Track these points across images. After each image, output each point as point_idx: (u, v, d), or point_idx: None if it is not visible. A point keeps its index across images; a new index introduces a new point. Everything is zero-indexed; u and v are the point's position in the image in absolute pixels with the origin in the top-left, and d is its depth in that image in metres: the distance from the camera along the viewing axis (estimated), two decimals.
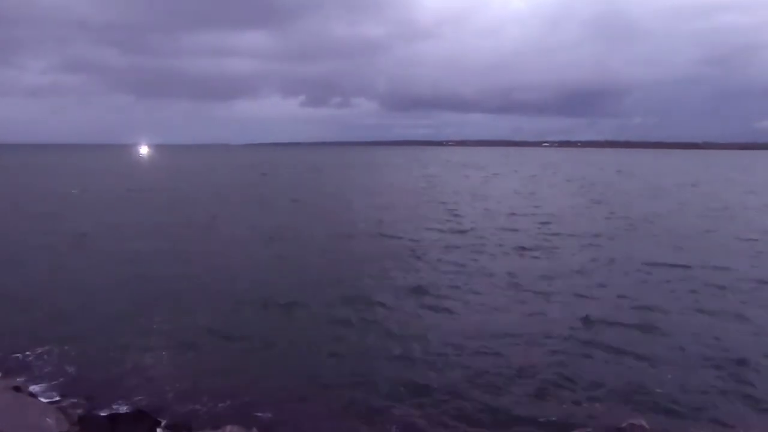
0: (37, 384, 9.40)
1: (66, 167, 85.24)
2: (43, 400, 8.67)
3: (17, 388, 8.72)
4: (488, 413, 8.60)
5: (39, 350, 10.76)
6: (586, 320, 12.57)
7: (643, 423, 8.07)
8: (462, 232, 24.19)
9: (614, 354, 10.80)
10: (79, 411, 8.42)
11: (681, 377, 9.83)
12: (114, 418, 8.24)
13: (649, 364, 10.31)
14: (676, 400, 9.00)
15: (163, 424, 8.23)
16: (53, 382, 9.51)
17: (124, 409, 8.58)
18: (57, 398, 8.86)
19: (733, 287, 15.34)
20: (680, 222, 27.83)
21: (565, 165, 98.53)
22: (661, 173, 74.64)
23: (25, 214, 29.58)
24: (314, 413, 8.63)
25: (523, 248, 20.57)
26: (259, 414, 8.54)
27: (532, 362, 10.36)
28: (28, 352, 10.68)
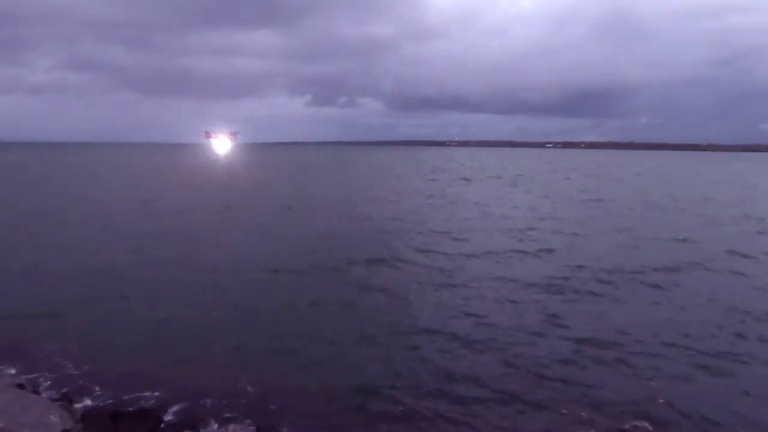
0: (40, 381, 9.42)
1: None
2: (46, 397, 8.68)
3: (21, 386, 8.75)
4: (489, 415, 8.58)
5: (43, 348, 10.79)
6: (588, 322, 12.55)
7: (647, 425, 8.05)
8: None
9: (617, 355, 10.78)
10: (83, 408, 8.45)
11: (684, 379, 9.82)
12: (117, 415, 8.26)
13: (653, 367, 10.28)
14: (679, 403, 8.97)
15: (165, 422, 8.25)
16: (57, 380, 9.52)
17: (127, 407, 8.59)
18: (60, 396, 8.88)
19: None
20: None
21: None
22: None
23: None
24: (318, 412, 8.63)
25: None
26: (263, 412, 8.53)
27: (534, 364, 10.35)
28: (31, 350, 10.71)
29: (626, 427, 8.06)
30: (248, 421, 8.17)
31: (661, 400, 9.02)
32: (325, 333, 11.82)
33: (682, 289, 15.44)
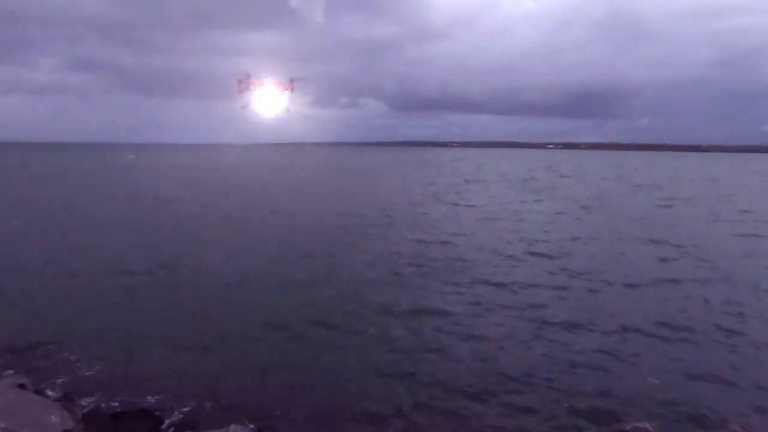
0: (41, 382, 9.43)
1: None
2: (47, 397, 8.69)
3: (22, 386, 8.76)
4: (492, 418, 8.59)
5: (44, 348, 10.81)
6: (589, 325, 12.55)
7: (648, 426, 8.04)
8: None
9: (619, 358, 10.78)
10: (84, 409, 8.47)
11: (685, 380, 9.83)
12: (118, 416, 8.27)
13: (654, 370, 10.28)
14: (680, 404, 8.98)
15: (166, 422, 8.26)
16: (58, 380, 9.54)
17: (128, 407, 8.60)
18: (61, 396, 8.89)
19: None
20: None
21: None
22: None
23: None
24: (318, 414, 8.64)
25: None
26: (263, 414, 8.55)
27: (535, 368, 10.35)
28: (33, 350, 10.73)
29: (627, 427, 8.06)
30: (248, 421, 8.18)
31: (661, 402, 9.02)
32: (326, 338, 11.81)
33: (691, 294, 15.31)
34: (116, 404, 8.73)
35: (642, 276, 16.71)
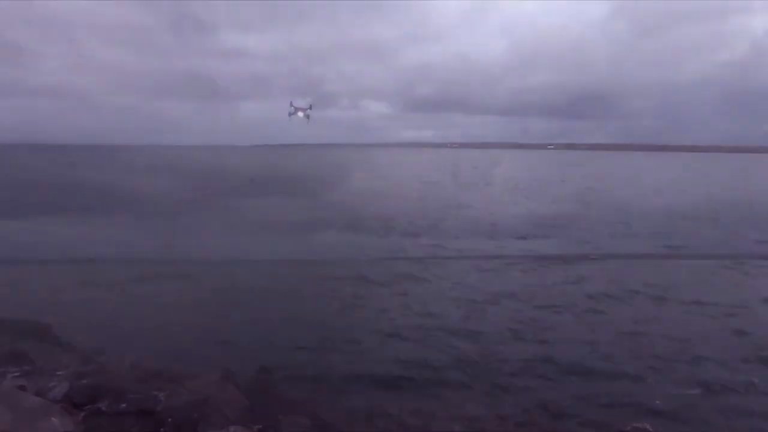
0: (42, 384, 9.42)
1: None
2: (48, 399, 8.69)
3: (22, 388, 8.77)
4: (495, 419, 8.59)
5: (44, 350, 10.80)
6: (590, 326, 12.56)
7: (647, 426, 8.04)
8: None
9: (619, 360, 10.78)
10: (84, 411, 8.46)
11: (685, 383, 9.82)
12: (118, 417, 8.26)
13: (653, 371, 10.29)
14: (679, 405, 8.97)
15: (167, 423, 8.24)
16: (58, 382, 9.52)
17: (128, 408, 8.59)
18: (62, 398, 8.88)
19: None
20: None
21: None
22: None
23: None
24: (318, 414, 8.64)
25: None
26: (263, 414, 8.53)
27: (535, 368, 10.37)
28: (33, 352, 10.72)
29: (627, 428, 8.06)
30: (248, 421, 8.17)
31: (660, 403, 9.02)
32: (327, 343, 11.79)
33: (686, 300, 15.24)
34: (117, 406, 8.71)
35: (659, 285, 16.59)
